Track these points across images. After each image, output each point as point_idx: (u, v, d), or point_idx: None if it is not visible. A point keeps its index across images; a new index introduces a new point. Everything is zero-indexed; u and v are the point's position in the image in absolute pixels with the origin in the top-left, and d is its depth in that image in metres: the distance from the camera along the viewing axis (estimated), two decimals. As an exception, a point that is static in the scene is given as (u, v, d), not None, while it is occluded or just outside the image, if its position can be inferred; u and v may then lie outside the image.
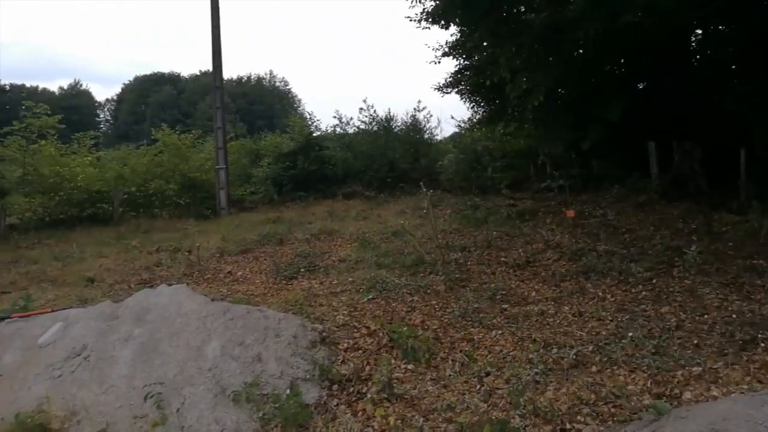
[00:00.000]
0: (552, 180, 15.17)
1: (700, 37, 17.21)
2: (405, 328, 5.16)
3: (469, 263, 8.55)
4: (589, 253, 8.18)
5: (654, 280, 6.78)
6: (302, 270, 8.87)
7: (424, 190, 8.67)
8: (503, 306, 6.47)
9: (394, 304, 6.72)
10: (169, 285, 6.63)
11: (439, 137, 22.69)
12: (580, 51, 9.33)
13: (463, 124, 20.82)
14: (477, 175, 17.27)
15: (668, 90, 14.21)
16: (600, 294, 6.55)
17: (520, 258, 8.40)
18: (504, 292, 6.96)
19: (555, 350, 4.88)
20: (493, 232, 10.20)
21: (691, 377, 4.20)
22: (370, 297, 6.48)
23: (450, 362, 4.83)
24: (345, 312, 5.98)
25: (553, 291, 6.89)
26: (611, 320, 5.65)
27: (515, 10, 10.09)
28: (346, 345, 5.06)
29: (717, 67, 18.89)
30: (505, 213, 12.45)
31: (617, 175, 13.82)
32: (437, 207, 14.17)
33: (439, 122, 27.99)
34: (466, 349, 5.18)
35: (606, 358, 4.66)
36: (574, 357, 4.70)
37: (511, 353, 4.99)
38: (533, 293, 6.92)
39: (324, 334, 5.16)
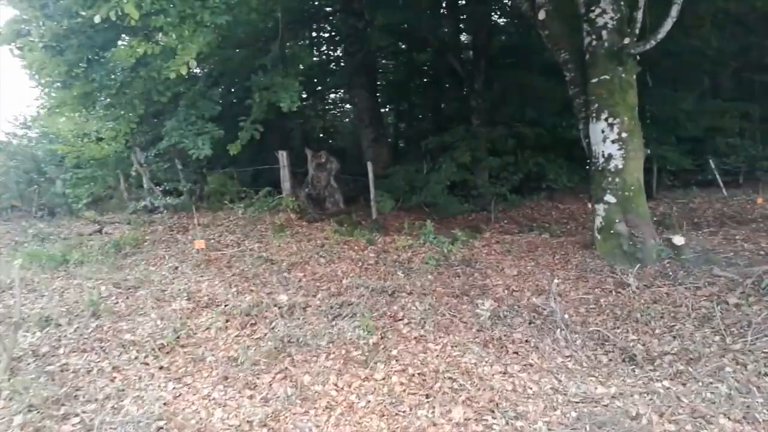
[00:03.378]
0: (153, 198, 11.80)
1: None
2: None
3: (63, 353, 4.63)
4: (268, 309, 5.40)
5: (393, 351, 4.49)
6: None
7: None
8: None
9: None
10: None
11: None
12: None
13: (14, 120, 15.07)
14: (40, 191, 12.28)
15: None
16: (335, 395, 3.86)
17: (159, 331, 4.98)
18: (163, 423, 3.55)
19: None
20: (95, 285, 6.30)
21: None
22: None
23: None
24: None
25: (253, 404, 3.83)
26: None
27: None
28: None
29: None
30: (96, 245, 8.51)
31: (238, 190, 11.44)
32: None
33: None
34: None
35: None
36: None
37: None
38: (217, 412, 3.72)
39: None
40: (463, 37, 16.41)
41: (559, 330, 4.70)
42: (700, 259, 6.00)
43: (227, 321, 5.18)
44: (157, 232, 9.76)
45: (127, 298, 5.99)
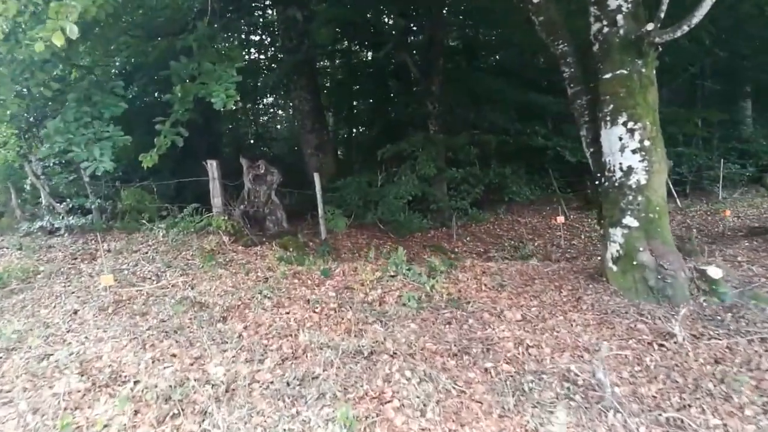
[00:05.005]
0: (53, 217, 9.84)
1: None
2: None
3: None
4: (197, 390, 3.79)
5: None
6: None
7: None
8: None
9: None
10: None
11: None
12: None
13: None
14: None
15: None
16: None
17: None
18: None
19: None
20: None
21: None
22: None
23: None
24: None
25: None
26: None
27: None
28: None
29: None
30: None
31: (159, 207, 9.68)
32: None
33: None
34: None
35: None
36: None
37: None
38: None
39: None
40: (412, 37, 15.18)
41: (612, 412, 3.39)
42: (744, 295, 4.90)
43: (137, 412, 3.53)
44: (55, 260, 7.90)
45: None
